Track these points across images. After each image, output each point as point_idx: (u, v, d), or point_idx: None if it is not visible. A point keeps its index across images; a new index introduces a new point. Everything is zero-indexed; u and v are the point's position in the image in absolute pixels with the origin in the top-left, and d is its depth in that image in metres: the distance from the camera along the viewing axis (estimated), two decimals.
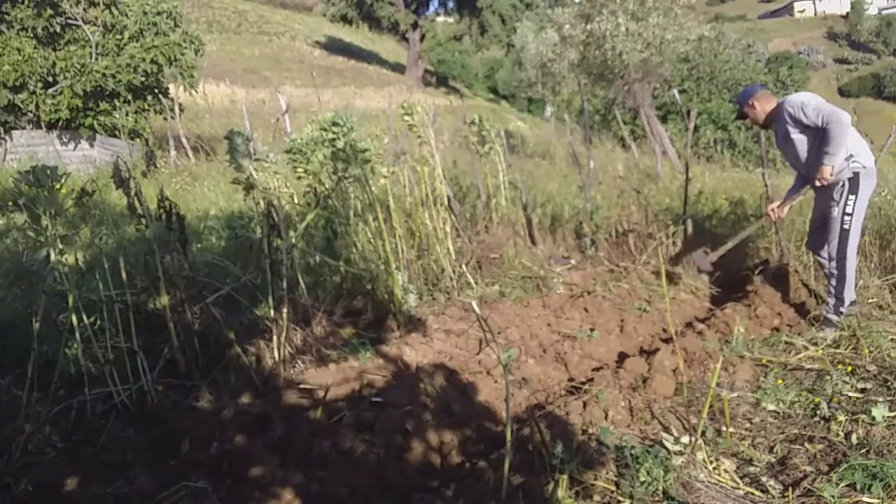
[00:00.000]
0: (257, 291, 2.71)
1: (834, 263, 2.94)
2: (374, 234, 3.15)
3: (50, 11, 8.14)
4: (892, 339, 2.73)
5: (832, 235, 2.93)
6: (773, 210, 3.18)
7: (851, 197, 2.87)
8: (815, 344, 2.76)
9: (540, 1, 29.79)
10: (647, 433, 2.03)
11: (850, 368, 2.48)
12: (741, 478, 1.80)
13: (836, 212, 2.91)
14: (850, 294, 2.96)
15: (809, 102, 2.85)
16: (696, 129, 12.94)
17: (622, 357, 2.80)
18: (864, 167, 2.87)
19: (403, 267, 3.30)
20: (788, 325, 3.17)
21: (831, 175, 2.84)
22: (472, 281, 3.57)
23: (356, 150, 2.66)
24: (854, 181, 2.87)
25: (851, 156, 2.86)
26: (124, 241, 3.40)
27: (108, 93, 8.46)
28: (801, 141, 2.95)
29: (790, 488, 1.72)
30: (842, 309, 2.94)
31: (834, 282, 2.96)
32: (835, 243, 2.93)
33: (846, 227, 2.89)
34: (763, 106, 3.06)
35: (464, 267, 3.64)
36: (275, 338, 2.45)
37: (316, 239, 3.35)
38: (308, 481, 1.73)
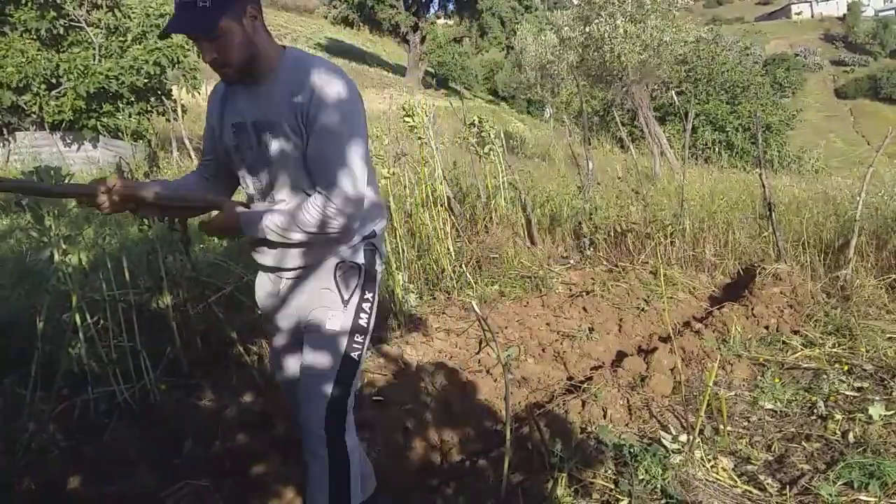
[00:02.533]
0: None
1: (319, 434, 1.33)
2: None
3: (53, 13, 8.17)
4: (889, 338, 2.74)
5: (315, 370, 1.34)
6: None
7: (368, 296, 1.39)
8: (812, 343, 2.78)
9: (539, 3, 29.87)
10: (646, 432, 2.04)
11: (846, 367, 2.50)
12: (739, 476, 1.81)
13: (335, 320, 1.35)
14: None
15: (349, 96, 1.27)
16: (694, 130, 12.98)
17: (621, 356, 2.81)
18: (380, 251, 1.44)
19: (404, 267, 3.32)
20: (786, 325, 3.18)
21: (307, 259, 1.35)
22: (471, 281, 3.59)
23: None
24: (370, 266, 1.40)
25: (366, 223, 1.40)
26: (127, 242, 3.42)
27: (111, 94, 8.49)
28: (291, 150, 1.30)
29: (788, 486, 1.74)
30: None
31: (325, 473, 1.34)
32: (322, 389, 1.33)
33: (354, 353, 1.37)
34: (257, 37, 1.27)
35: (464, 267, 3.65)
36: None
37: None
38: None
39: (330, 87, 1.26)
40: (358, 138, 1.28)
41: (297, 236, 1.30)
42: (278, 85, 1.29)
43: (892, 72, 37.76)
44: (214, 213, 1.39)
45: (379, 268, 1.44)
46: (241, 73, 1.29)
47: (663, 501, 1.67)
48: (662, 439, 1.90)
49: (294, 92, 1.27)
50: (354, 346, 1.38)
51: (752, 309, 3.18)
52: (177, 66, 8.82)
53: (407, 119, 3.71)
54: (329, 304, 1.37)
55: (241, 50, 1.26)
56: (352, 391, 1.39)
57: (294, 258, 1.38)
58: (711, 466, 1.82)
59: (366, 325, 1.40)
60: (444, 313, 3.14)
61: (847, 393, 2.29)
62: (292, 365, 1.49)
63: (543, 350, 2.85)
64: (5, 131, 8.31)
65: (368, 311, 1.41)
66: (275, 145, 1.30)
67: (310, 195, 1.30)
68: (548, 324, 3.18)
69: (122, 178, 1.31)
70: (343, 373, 1.36)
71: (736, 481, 1.78)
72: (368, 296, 1.41)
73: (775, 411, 2.22)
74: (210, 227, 1.38)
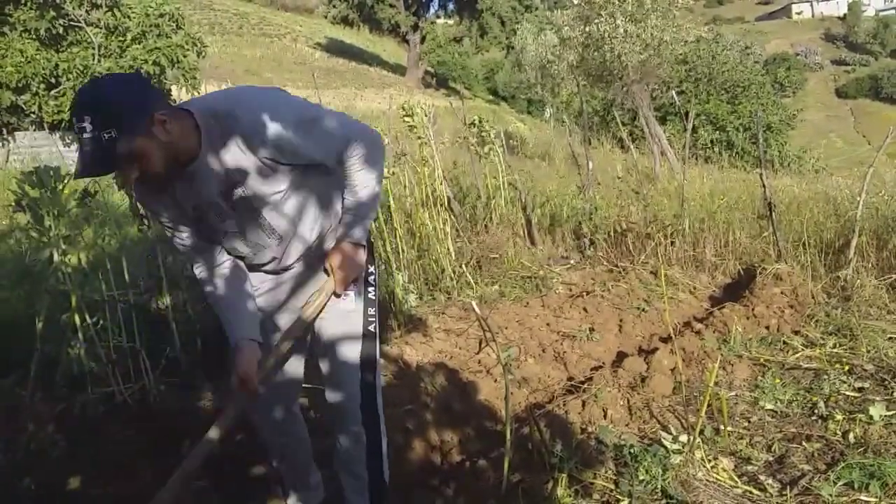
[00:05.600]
0: None
1: (355, 412, 1.45)
2: (375, 234, 3.17)
3: (53, 13, 8.18)
4: (889, 339, 2.74)
5: (340, 350, 1.43)
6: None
7: (371, 269, 1.47)
8: (813, 343, 2.78)
9: (539, 3, 29.86)
10: (646, 432, 2.04)
11: (847, 368, 2.49)
12: (739, 476, 1.81)
13: (348, 299, 1.41)
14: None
15: (288, 110, 1.25)
16: (695, 130, 12.99)
17: (621, 356, 2.81)
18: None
19: (404, 267, 3.32)
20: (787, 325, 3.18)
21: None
22: (471, 281, 3.59)
23: None
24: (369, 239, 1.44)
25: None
26: (127, 242, 3.42)
27: None
28: (290, 190, 1.30)
29: (788, 487, 1.73)
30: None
31: (362, 452, 1.47)
32: (351, 367, 1.44)
33: (371, 326, 1.45)
34: (174, 137, 1.20)
35: (464, 267, 3.65)
36: None
37: None
38: None
39: (259, 112, 1.23)
40: (311, 111, 1.30)
41: (377, 185, 1.37)
42: (213, 159, 1.24)
43: (893, 71, 37.75)
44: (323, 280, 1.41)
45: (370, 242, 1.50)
46: (169, 172, 1.24)
47: (664, 502, 1.67)
48: (663, 440, 1.90)
49: (255, 136, 1.22)
50: (370, 319, 1.47)
51: (753, 309, 3.17)
52: (176, 65, 8.83)
53: (407, 119, 3.71)
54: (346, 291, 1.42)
55: (162, 158, 1.20)
56: (376, 365, 1.49)
57: (296, 253, 1.39)
58: (712, 467, 1.82)
59: (374, 298, 1.50)
60: (444, 313, 3.14)
61: (848, 393, 2.29)
62: (292, 365, 1.51)
63: (544, 350, 2.85)
64: (4, 131, 8.34)
65: (374, 283, 1.49)
66: (257, 191, 1.27)
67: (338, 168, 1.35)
68: (548, 324, 3.18)
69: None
70: (366, 348, 1.47)
71: (736, 482, 1.77)
72: (371, 268, 1.49)
73: (776, 412, 2.22)
74: (343, 279, 1.37)
